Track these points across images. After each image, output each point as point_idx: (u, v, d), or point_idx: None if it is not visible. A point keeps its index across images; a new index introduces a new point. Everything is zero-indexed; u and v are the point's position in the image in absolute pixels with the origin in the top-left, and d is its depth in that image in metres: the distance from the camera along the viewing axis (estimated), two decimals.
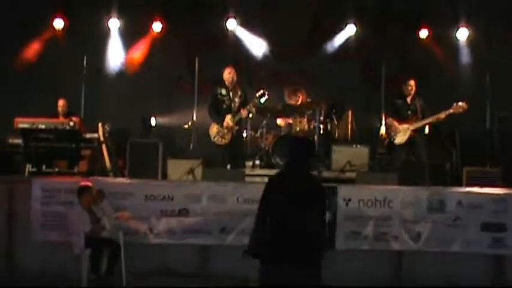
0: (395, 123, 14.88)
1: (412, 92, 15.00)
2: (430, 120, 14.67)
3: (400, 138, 14.81)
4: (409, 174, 14.09)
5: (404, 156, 14.74)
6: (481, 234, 12.39)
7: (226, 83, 15.11)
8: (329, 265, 11.82)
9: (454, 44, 17.53)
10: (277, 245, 7.69)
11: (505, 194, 12.64)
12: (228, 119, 14.92)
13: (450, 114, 14.44)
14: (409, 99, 14.98)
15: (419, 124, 14.70)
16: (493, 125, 15.96)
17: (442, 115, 14.50)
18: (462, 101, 14.36)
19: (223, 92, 15.11)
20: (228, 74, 15.09)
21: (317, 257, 7.78)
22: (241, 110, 14.94)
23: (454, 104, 14.40)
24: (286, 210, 7.72)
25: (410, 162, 14.74)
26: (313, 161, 8.68)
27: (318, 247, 7.81)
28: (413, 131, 14.73)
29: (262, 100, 14.83)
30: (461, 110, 14.36)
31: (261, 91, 14.85)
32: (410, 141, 14.72)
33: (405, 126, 14.75)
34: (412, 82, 15.05)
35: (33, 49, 16.51)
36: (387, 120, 15.05)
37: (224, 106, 15.08)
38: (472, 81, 16.40)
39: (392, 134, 14.90)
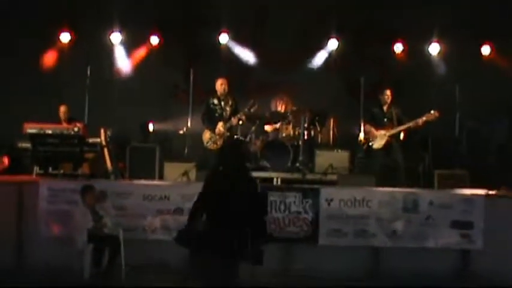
0: (373, 130, 14.94)
1: (389, 100, 15.05)
2: (404, 127, 14.74)
3: (377, 144, 14.87)
4: (386, 177, 14.23)
5: (381, 160, 14.80)
6: (450, 231, 12.54)
7: (218, 93, 15.23)
8: (312, 259, 12.14)
9: (426, 58, 17.58)
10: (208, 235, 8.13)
11: (472, 195, 12.80)
12: (220, 126, 15.00)
13: (424, 122, 14.54)
14: (385, 108, 15.05)
15: (395, 130, 14.77)
16: (462, 133, 16.09)
17: (416, 122, 14.61)
18: (434, 110, 14.47)
19: (216, 101, 15.22)
20: (220, 85, 15.21)
21: (240, 249, 8.08)
22: (232, 118, 15.03)
23: (426, 114, 14.54)
24: (220, 203, 8.12)
25: (387, 166, 14.81)
26: (243, 161, 8.86)
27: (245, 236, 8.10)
28: (390, 136, 14.80)
29: (252, 110, 14.93)
30: (433, 118, 14.47)
31: (252, 101, 14.96)
32: (387, 146, 14.80)
33: (382, 132, 14.82)
34: (388, 92, 15.10)
35: (41, 60, 16.50)
36: (365, 127, 15.06)
37: (216, 114, 15.18)
38: (443, 92, 16.35)
39: (371, 139, 14.96)
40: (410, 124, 14.70)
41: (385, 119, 14.97)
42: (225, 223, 8.08)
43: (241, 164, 8.59)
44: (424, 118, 14.50)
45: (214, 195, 8.24)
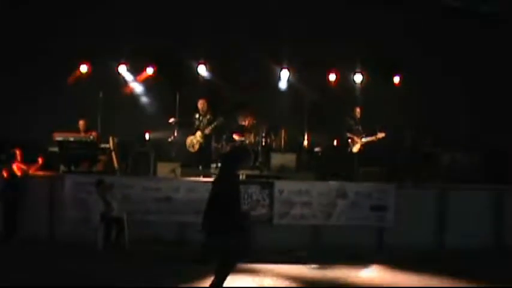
0: (355, 138, 15.24)
1: (359, 116, 15.30)
2: (372, 139, 15.18)
3: (356, 148, 15.25)
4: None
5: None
6: (370, 213, 12.98)
7: (200, 110, 15.43)
8: (269, 235, 12.29)
9: (352, 85, 17.63)
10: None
11: (386, 186, 13.22)
12: (197, 135, 15.23)
13: (377, 139, 15.19)
14: (357, 122, 15.32)
15: (366, 140, 15.20)
16: (379, 141, 16.22)
17: (373, 139, 15.19)
18: (383, 131, 15.11)
19: (197, 115, 15.41)
20: (201, 104, 15.47)
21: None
22: (206, 129, 15.25)
23: (378, 132, 15.13)
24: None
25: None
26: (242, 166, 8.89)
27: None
28: (362, 145, 15.22)
29: (218, 124, 15.23)
30: (380, 137, 15.15)
31: (221, 118, 15.23)
32: (360, 150, 15.21)
33: (358, 140, 15.16)
34: (358, 109, 15.38)
35: (66, 85, 16.43)
36: (348, 135, 15.36)
37: (195, 126, 15.39)
38: (367, 111, 16.19)
39: (351, 144, 15.28)
40: (373, 138, 15.18)
41: (357, 131, 15.30)
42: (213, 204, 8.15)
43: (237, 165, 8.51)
44: (382, 135, 15.21)
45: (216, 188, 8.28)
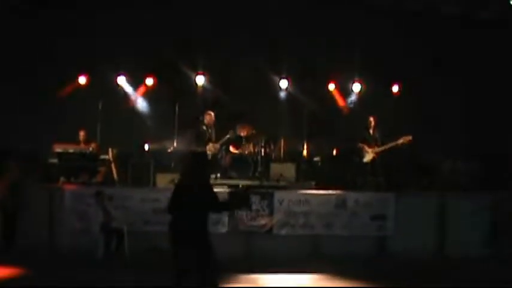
0: (366, 147, 15.09)
1: (372, 125, 15.17)
2: (386, 147, 14.92)
3: (367, 158, 15.09)
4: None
5: (369, 171, 15.01)
6: (370, 223, 13.00)
7: (206, 121, 15.20)
8: (269, 246, 12.36)
9: (350, 94, 17.82)
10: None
11: (385, 195, 13.27)
12: (211, 146, 14.95)
13: (401, 143, 14.81)
14: (371, 131, 15.19)
15: (379, 149, 15.00)
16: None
17: (396, 144, 14.85)
18: (408, 135, 14.76)
19: (204, 128, 15.14)
20: (209, 116, 15.24)
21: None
22: (219, 141, 15.05)
23: (402, 137, 14.76)
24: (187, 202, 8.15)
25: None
26: (207, 172, 8.92)
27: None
28: (376, 153, 15.05)
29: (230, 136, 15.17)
30: (407, 141, 14.74)
31: (231, 131, 15.14)
32: (373, 161, 15.05)
33: (370, 150, 15.03)
34: (371, 118, 15.25)
35: (64, 97, 16.58)
36: (360, 145, 15.19)
37: (206, 138, 15.09)
38: (364, 119, 16.02)
39: (362, 155, 15.16)
40: (392, 145, 14.88)
41: (371, 140, 15.18)
42: (189, 214, 8.16)
43: (201, 170, 8.42)
44: (401, 141, 14.75)
45: (181, 192, 8.27)
